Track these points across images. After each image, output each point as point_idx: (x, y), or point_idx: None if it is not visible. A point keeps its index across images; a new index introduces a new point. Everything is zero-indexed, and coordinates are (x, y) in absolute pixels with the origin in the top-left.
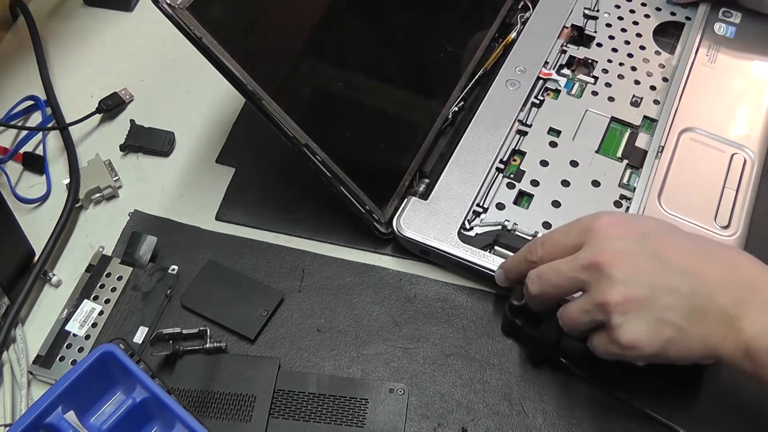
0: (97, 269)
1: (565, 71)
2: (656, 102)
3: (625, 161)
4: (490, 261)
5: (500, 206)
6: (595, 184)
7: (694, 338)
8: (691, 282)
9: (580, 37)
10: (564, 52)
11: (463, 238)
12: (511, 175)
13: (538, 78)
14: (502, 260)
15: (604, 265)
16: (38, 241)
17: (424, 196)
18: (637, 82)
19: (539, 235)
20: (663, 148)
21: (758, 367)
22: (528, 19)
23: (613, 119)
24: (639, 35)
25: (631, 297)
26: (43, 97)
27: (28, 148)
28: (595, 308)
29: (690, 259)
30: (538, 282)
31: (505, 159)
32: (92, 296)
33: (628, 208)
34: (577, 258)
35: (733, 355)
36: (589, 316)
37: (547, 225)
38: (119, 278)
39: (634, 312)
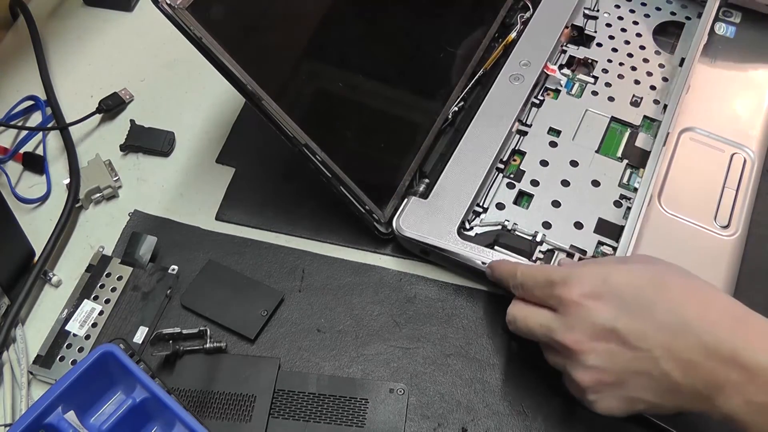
0: (97, 269)
1: (565, 71)
2: (656, 102)
3: (625, 161)
4: (491, 261)
5: (500, 206)
6: (595, 184)
7: (668, 408)
8: (664, 365)
9: (580, 37)
10: (564, 51)
11: (464, 238)
12: (511, 175)
13: (543, 72)
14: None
15: (575, 352)
16: (38, 241)
17: (424, 195)
18: (637, 82)
19: (539, 235)
20: (662, 148)
21: (740, 428)
22: (528, 19)
23: (613, 119)
24: (639, 35)
25: (602, 381)
26: (43, 97)
27: (28, 148)
28: (569, 380)
29: (663, 337)
30: (514, 325)
31: (505, 159)
32: (92, 296)
33: (629, 208)
34: (551, 330)
35: (710, 416)
36: (567, 379)
37: (547, 225)
38: (119, 278)
39: (606, 392)
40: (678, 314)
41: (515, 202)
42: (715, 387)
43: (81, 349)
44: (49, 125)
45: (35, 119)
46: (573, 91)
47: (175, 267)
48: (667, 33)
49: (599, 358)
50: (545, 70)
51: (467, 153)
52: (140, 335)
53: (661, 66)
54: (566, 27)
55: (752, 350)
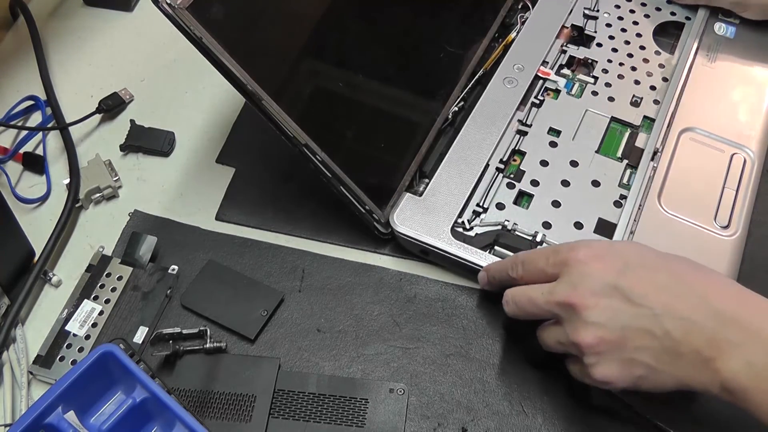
0: (97, 269)
1: (565, 71)
2: (656, 102)
3: (625, 161)
4: (490, 261)
5: (500, 206)
6: (595, 184)
7: (667, 376)
8: (665, 323)
9: (580, 37)
10: (564, 52)
11: (461, 237)
12: (511, 175)
13: (537, 77)
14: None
15: (578, 307)
16: (38, 241)
17: (420, 194)
18: (637, 82)
19: (539, 235)
20: (662, 148)
21: (737, 401)
22: (528, 19)
23: (613, 119)
24: (639, 35)
25: (604, 339)
26: (43, 97)
27: (28, 148)
28: (569, 344)
29: (666, 297)
30: (513, 306)
31: (505, 159)
32: (92, 296)
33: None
34: (553, 293)
35: (709, 389)
36: (563, 348)
37: (547, 225)
38: (119, 278)
39: (607, 353)
40: (681, 279)
41: (515, 202)
42: (715, 347)
43: (81, 349)
44: (49, 125)
45: (35, 119)
46: (573, 91)
47: (175, 267)
48: (667, 33)
49: (602, 314)
50: (539, 74)
51: (462, 150)
52: (140, 335)
53: (661, 66)
54: (565, 27)
55: (753, 314)
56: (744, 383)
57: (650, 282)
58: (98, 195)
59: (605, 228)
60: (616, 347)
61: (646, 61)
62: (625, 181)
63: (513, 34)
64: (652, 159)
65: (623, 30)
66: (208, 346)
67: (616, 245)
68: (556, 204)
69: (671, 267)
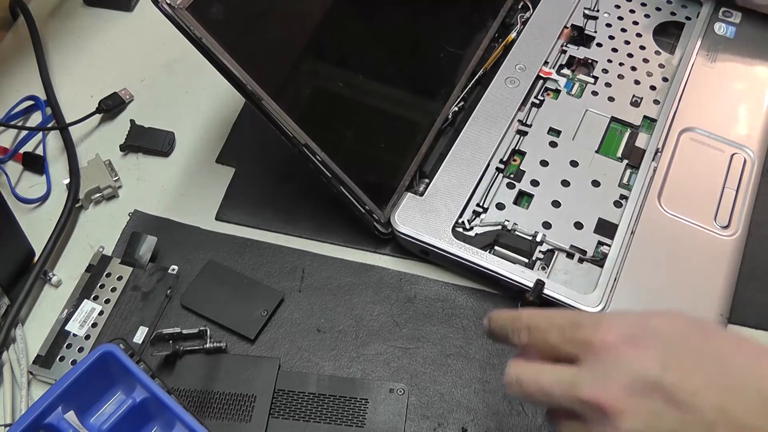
0: (97, 269)
1: (565, 71)
2: (656, 102)
3: (625, 161)
4: (490, 261)
5: (500, 206)
6: (595, 184)
7: None
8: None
9: (580, 37)
10: (564, 52)
11: (461, 237)
12: (511, 175)
13: (538, 77)
14: (502, 260)
15: (611, 410)
16: (38, 241)
17: (421, 194)
18: (637, 82)
19: (539, 235)
20: (662, 148)
21: None
22: (528, 19)
23: (613, 119)
24: (639, 35)
25: None
26: (43, 97)
27: (28, 148)
28: None
29: (719, 396)
30: (517, 388)
31: (505, 159)
32: (92, 296)
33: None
34: (574, 385)
35: None
36: None
37: (547, 225)
38: (119, 278)
39: None
40: (731, 366)
41: (515, 202)
42: None
43: (81, 349)
44: (49, 125)
45: (35, 119)
46: (573, 91)
47: (175, 267)
48: (667, 33)
49: (640, 420)
50: (541, 74)
51: (464, 150)
52: (140, 335)
53: (661, 66)
54: (566, 27)
55: None
56: None
57: (698, 375)
58: (98, 195)
59: (605, 228)
60: None
61: (646, 61)
62: (625, 181)
63: (513, 34)
64: (653, 159)
65: (623, 30)
66: (208, 346)
67: (652, 320)
68: (556, 204)
69: (717, 345)
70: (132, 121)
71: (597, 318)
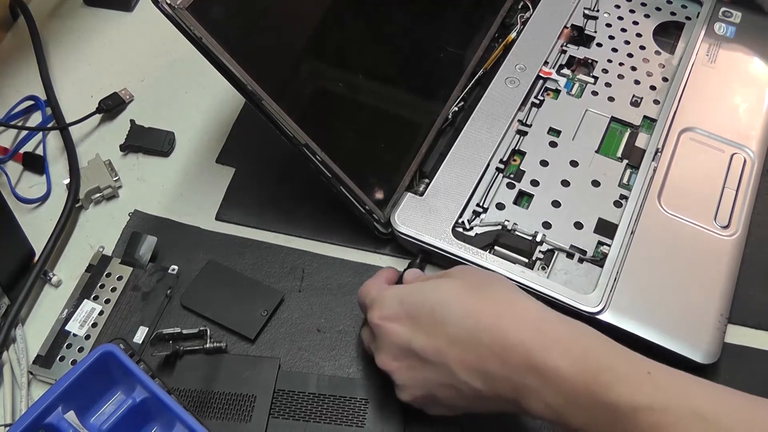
0: (97, 269)
1: (565, 71)
2: (656, 102)
3: (625, 161)
4: (490, 261)
5: (500, 206)
6: (595, 184)
7: (483, 409)
8: (463, 376)
9: (580, 37)
10: (564, 52)
11: (461, 237)
12: (511, 175)
13: (538, 77)
14: (502, 260)
15: (390, 371)
16: (38, 241)
17: (421, 194)
18: (637, 82)
19: (539, 235)
20: (662, 148)
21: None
22: (528, 19)
23: (613, 119)
24: (639, 35)
25: (416, 396)
26: (43, 97)
27: (28, 148)
28: None
29: (457, 351)
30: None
31: (505, 159)
32: (92, 296)
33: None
34: (373, 352)
35: (523, 413)
36: None
37: (547, 225)
38: (119, 278)
39: (428, 403)
40: (469, 327)
41: (515, 202)
42: (515, 392)
43: (81, 349)
44: (49, 125)
45: (35, 119)
46: (573, 91)
47: (175, 267)
48: (667, 33)
49: (403, 376)
50: (541, 74)
51: (464, 150)
52: (140, 335)
53: (661, 66)
54: (566, 27)
55: (544, 354)
56: (548, 418)
57: (441, 337)
58: (98, 195)
59: (605, 228)
60: (430, 400)
61: (646, 61)
62: (625, 181)
63: (513, 34)
64: (653, 159)
65: (623, 30)
66: (208, 346)
67: (406, 299)
68: (556, 204)
69: (460, 311)
70: (132, 121)
71: (373, 298)
